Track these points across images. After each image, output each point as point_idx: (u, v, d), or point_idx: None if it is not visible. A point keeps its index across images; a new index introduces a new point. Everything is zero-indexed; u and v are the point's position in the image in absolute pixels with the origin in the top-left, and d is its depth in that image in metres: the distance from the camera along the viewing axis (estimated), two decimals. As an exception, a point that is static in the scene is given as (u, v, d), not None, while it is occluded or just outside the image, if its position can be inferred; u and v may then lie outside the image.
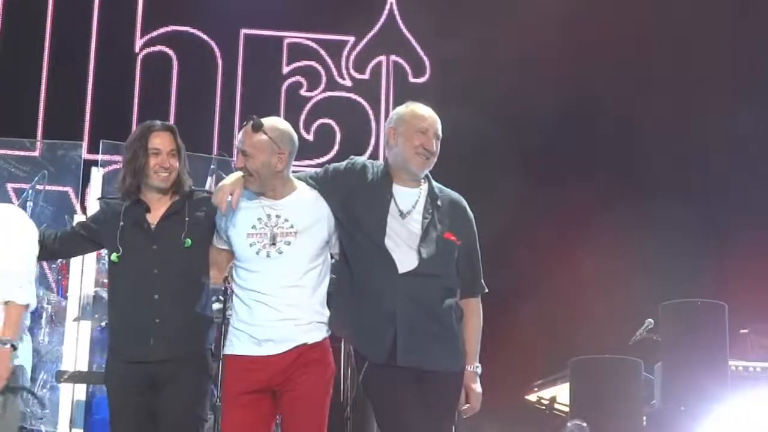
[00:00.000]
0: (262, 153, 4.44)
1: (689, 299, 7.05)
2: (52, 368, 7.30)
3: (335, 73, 10.61)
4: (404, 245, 4.43)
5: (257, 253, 4.44)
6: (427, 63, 10.59)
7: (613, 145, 9.93)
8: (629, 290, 8.82)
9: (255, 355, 4.43)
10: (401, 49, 10.64)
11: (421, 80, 10.58)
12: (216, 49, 10.45)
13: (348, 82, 10.62)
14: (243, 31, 10.54)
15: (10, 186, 8.45)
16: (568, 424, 6.91)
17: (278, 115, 4.76)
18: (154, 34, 10.42)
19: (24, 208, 6.79)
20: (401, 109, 4.62)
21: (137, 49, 10.38)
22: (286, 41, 10.63)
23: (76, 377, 6.73)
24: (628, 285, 8.90)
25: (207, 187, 6.11)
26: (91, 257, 7.01)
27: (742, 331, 8.09)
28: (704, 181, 9.81)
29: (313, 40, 10.65)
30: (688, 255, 9.10)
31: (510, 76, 9.74)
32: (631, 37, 10.11)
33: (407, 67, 10.61)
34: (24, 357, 4.60)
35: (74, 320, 7.00)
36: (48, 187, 7.61)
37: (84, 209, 8.35)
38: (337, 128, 10.45)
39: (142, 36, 10.41)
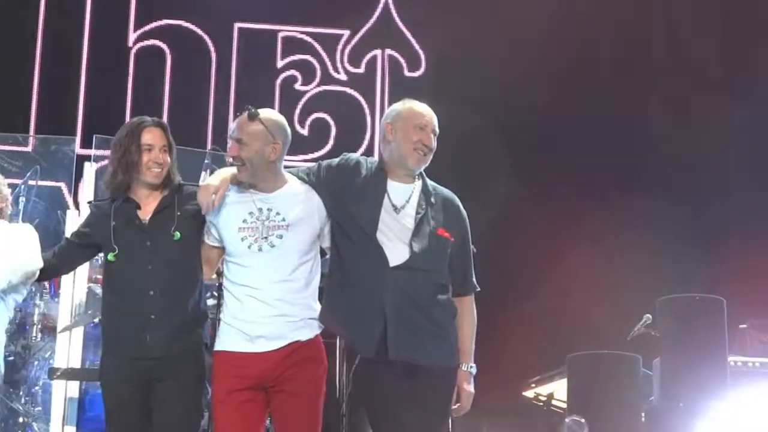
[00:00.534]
0: (256, 141, 4.46)
1: (687, 294, 7.04)
2: (45, 365, 7.28)
3: (330, 67, 10.60)
4: (396, 239, 4.43)
5: (249, 247, 4.44)
6: (423, 57, 10.57)
7: (610, 141, 9.92)
8: (627, 285, 8.82)
9: (246, 352, 4.42)
10: (396, 42, 10.62)
11: (417, 74, 10.56)
12: (210, 43, 10.43)
13: (343, 76, 10.60)
14: (237, 25, 10.51)
15: (2, 181, 8.41)
16: (566, 420, 6.89)
17: (273, 109, 4.76)
18: (148, 28, 10.39)
19: (16, 203, 6.77)
20: (398, 105, 4.64)
21: (130, 43, 10.35)
22: (281, 35, 10.61)
23: (68, 374, 6.71)
24: (626, 280, 8.90)
25: (201, 182, 6.08)
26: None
27: (741, 326, 8.09)
28: (702, 177, 9.80)
29: (307, 33, 10.63)
30: (686, 250, 9.10)
31: (508, 71, 9.72)
32: (630, 31, 10.11)
33: (402, 61, 10.59)
34: None
35: (64, 329, 6.95)
36: (40, 183, 7.59)
37: (77, 204, 8.35)
38: (332, 123, 10.43)
39: (135, 30, 10.38)
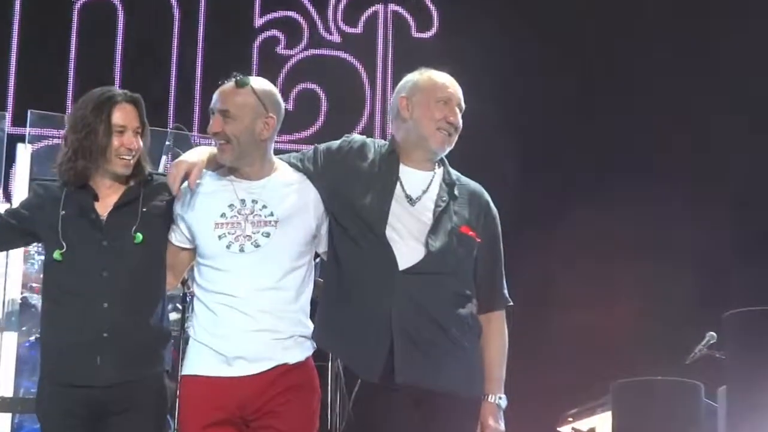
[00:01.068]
0: (246, 115, 4.46)
1: (760, 307, 7.06)
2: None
3: (320, 27, 10.63)
4: (409, 237, 4.43)
5: (228, 247, 4.42)
6: (435, 14, 10.58)
7: (670, 142, 9.92)
8: (684, 297, 8.84)
9: (222, 376, 4.39)
10: (402, -5, 10.69)
11: (427, 35, 10.57)
12: (172, -2, 10.47)
13: (336, 38, 10.64)
14: (205, -27, 10.56)
15: None
16: (611, 462, 6.93)
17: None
18: (95, -21, 10.42)
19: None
20: (415, 75, 4.64)
21: (74, -2, 10.38)
22: (259, -15, 10.66)
23: (-2, 405, 6.74)
24: (683, 291, 8.92)
25: (161, 169, 6.10)
26: (17, 254, 6.98)
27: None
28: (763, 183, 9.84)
29: (292, -16, 10.68)
30: (755, 254, 9.12)
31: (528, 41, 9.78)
32: (650, 19, 10.18)
33: (410, 19, 10.60)
34: None
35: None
36: (-38, 168, 7.61)
37: (7, 195, 8.34)
38: (322, 95, 10.45)
39: (79, -21, 10.41)
